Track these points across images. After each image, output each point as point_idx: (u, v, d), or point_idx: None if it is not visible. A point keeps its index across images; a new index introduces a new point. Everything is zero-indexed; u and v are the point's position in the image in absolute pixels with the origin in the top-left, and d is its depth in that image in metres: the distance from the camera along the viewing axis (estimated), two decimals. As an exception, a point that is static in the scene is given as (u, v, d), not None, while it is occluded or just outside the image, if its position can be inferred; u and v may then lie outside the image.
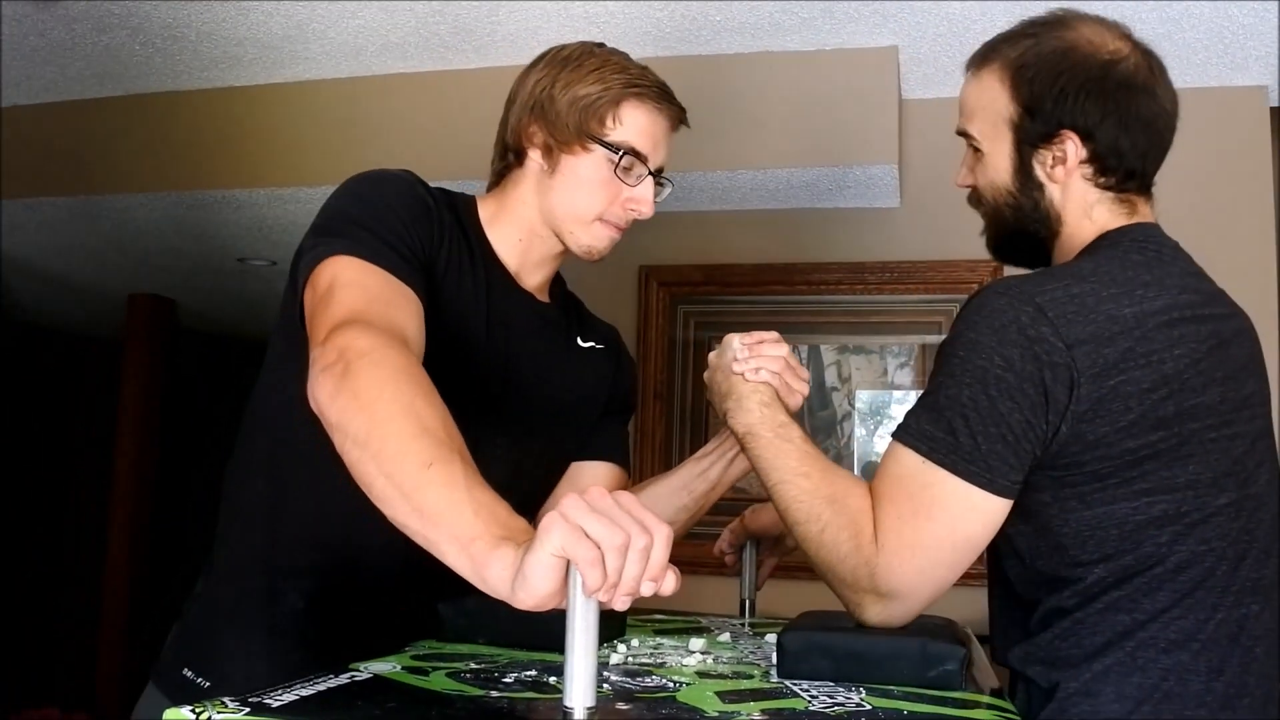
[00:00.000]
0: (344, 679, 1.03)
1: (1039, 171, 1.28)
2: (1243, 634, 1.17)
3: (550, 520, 0.77)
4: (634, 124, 1.37)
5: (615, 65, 1.38)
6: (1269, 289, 2.91)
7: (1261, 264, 2.93)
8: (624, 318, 3.30)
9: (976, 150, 1.34)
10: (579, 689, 0.79)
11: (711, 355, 1.43)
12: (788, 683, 1.10)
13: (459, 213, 1.40)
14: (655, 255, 3.36)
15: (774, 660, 1.15)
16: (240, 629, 1.39)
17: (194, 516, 5.39)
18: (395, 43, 2.95)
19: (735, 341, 1.39)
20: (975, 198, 1.38)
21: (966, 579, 1.28)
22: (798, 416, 1.36)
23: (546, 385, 1.47)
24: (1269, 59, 2.81)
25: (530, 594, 0.79)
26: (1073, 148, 1.26)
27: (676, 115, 1.42)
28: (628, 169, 1.38)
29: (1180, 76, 2.97)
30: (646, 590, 0.79)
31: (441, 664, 1.14)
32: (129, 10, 2.78)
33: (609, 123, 1.37)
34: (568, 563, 0.77)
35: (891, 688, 1.08)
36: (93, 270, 4.54)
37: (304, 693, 0.94)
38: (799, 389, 1.38)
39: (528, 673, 1.10)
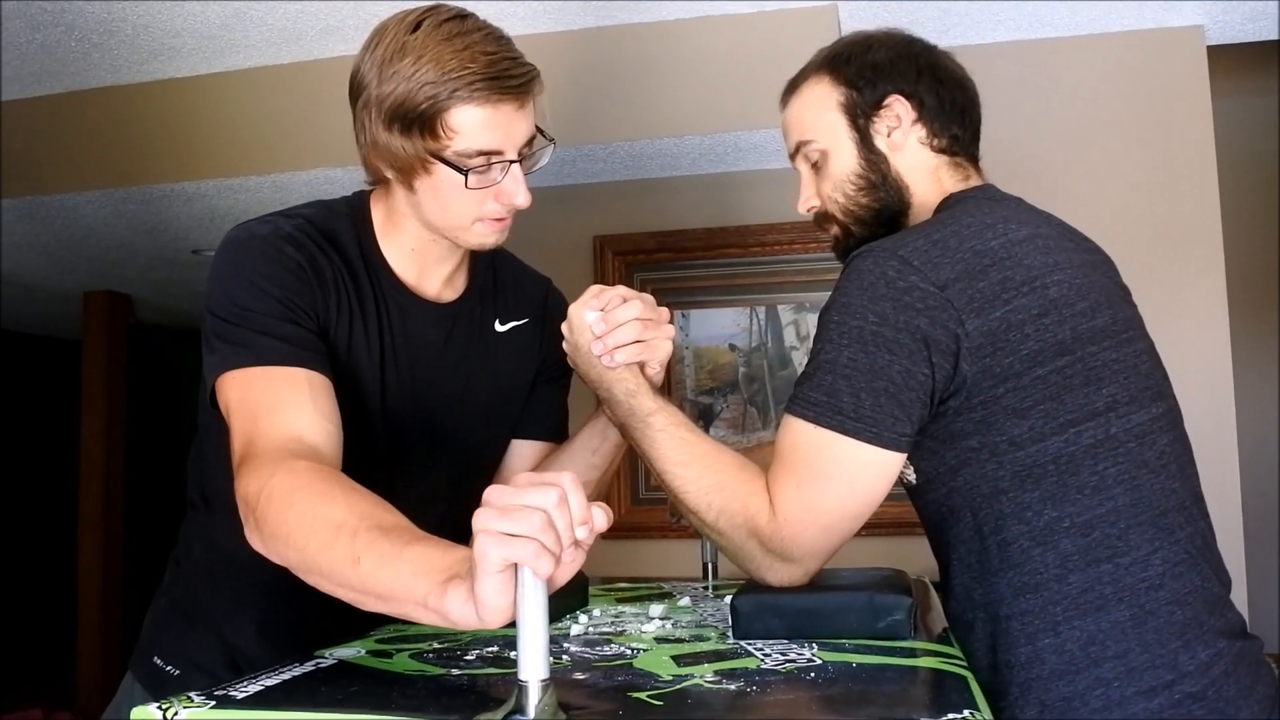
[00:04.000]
0: (309, 666, 1.05)
1: (879, 142, 1.35)
2: (1209, 541, 1.22)
3: (478, 544, 0.79)
4: (470, 127, 1.22)
5: (430, 62, 1.20)
6: (1213, 230, 2.96)
7: (1205, 205, 2.97)
8: (580, 288, 3.30)
9: (814, 164, 1.40)
10: (532, 661, 0.81)
11: (565, 330, 1.36)
12: (743, 643, 1.13)
13: (341, 240, 1.33)
14: (609, 224, 3.37)
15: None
16: (206, 620, 1.42)
17: (165, 509, 5.39)
18: (334, 25, 2.93)
19: (587, 315, 1.32)
20: (822, 217, 1.41)
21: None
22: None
23: (467, 394, 1.43)
24: (1203, -3, 2.84)
25: (496, 614, 0.82)
26: (903, 109, 1.34)
27: (519, 93, 1.24)
28: (484, 170, 1.25)
29: (1117, 20, 3.04)
30: (582, 535, 0.81)
31: (406, 646, 1.17)
32: (62, 7, 2.74)
33: (442, 135, 1.22)
34: (514, 565, 0.79)
35: (843, 641, 1.11)
36: (47, 270, 4.50)
37: (269, 682, 0.96)
38: (663, 340, 1.33)
39: (489, 649, 1.13)
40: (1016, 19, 2.96)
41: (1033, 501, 1.16)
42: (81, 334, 5.09)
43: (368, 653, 1.13)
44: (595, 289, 1.34)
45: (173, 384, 5.98)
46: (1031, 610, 1.16)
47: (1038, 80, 3.09)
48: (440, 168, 1.25)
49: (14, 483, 6.05)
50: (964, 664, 1.05)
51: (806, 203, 1.42)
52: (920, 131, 1.35)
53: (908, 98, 1.34)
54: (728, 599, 1.36)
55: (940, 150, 1.36)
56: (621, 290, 1.33)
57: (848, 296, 1.18)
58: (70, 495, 5.00)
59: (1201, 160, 2.99)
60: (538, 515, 0.78)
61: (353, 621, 1.22)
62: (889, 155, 1.35)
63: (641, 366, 1.34)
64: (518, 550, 0.78)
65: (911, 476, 1.26)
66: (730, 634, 1.17)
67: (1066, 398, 1.15)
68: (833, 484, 1.16)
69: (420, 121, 1.22)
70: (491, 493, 0.81)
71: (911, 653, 1.07)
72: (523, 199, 1.28)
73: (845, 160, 1.36)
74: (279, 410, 1.16)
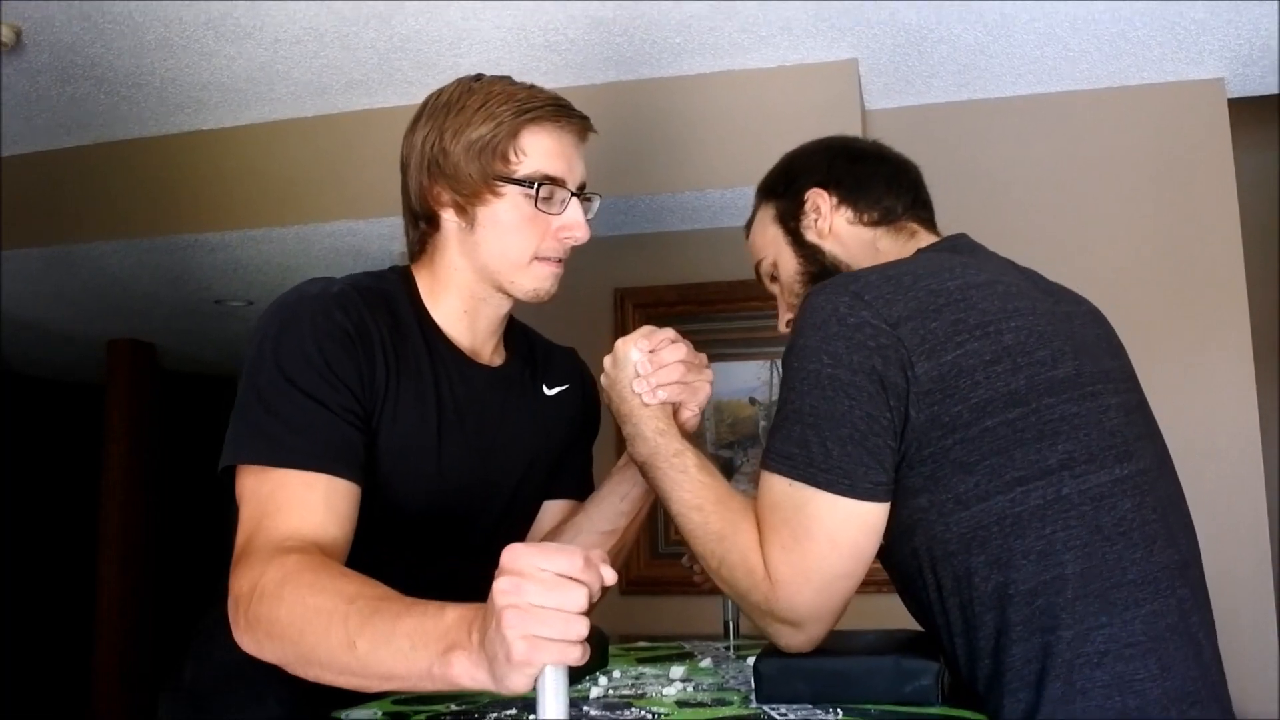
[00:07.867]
0: (325, 729, 1.04)
1: (809, 236, 1.41)
2: (1184, 624, 1.11)
3: (514, 646, 0.81)
4: (539, 149, 1.31)
5: (499, 95, 1.31)
6: (1238, 285, 2.93)
7: (1228, 260, 2.95)
8: (600, 341, 3.27)
9: (774, 279, 1.47)
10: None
11: (607, 363, 1.36)
12: (766, 707, 1.11)
13: (395, 304, 1.33)
14: (629, 277, 3.38)
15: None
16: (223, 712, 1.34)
17: (187, 556, 5.39)
18: (359, 79, 2.96)
19: (633, 352, 1.33)
20: None
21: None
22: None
23: (527, 457, 1.44)
24: (1224, 51, 2.84)
25: (518, 691, 0.85)
26: (820, 199, 1.40)
27: (580, 126, 1.35)
28: (548, 198, 1.31)
29: (1138, 73, 3.04)
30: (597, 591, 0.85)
31: (423, 707, 1.15)
32: (92, 60, 2.78)
33: (513, 157, 1.30)
34: None
35: (869, 707, 1.09)
36: (71, 317, 4.54)
37: (284, 747, 0.95)
38: (703, 384, 1.35)
39: (508, 711, 1.11)
40: (1036, 72, 2.96)
41: (979, 566, 1.10)
42: (106, 380, 5.11)
43: (384, 715, 1.12)
44: (647, 329, 1.36)
45: (195, 431, 6.00)
46: (987, 677, 1.12)
47: (1058, 133, 3.09)
48: (506, 193, 1.31)
49: (36, 528, 6.06)
50: (992, 731, 1.03)
51: (782, 318, 1.49)
52: (846, 213, 1.40)
53: (822, 187, 1.41)
54: (750, 661, 1.34)
55: (873, 224, 1.40)
56: (670, 333, 1.36)
57: (804, 338, 1.15)
58: (92, 537, 5.00)
59: (1224, 215, 2.97)
60: (573, 620, 0.82)
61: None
62: (821, 244, 1.41)
63: (678, 409, 1.34)
64: (553, 655, 0.81)
65: None
66: (753, 698, 1.15)
67: (1016, 453, 1.09)
68: (815, 543, 1.11)
69: (494, 143, 1.29)
70: (508, 580, 0.83)
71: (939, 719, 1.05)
72: (582, 232, 1.34)
73: (789, 263, 1.44)
74: (286, 511, 1.14)
